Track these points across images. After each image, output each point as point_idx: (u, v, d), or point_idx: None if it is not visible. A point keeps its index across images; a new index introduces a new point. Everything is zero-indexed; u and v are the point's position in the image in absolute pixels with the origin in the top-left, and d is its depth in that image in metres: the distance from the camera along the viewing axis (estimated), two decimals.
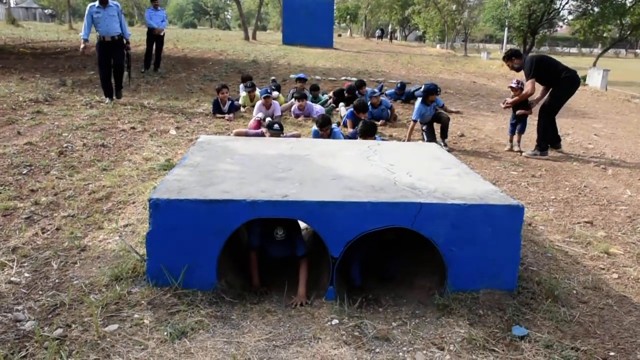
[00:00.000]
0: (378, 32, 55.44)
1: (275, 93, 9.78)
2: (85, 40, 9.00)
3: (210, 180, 3.53)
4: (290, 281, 3.56)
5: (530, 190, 6.01)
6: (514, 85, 7.75)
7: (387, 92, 12.20)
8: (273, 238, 3.51)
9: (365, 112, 8.25)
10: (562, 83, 7.57)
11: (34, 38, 23.36)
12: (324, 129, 6.67)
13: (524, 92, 7.64)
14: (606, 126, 10.68)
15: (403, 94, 11.84)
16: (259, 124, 7.99)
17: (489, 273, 3.40)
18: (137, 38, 14.31)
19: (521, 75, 7.90)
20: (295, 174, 3.75)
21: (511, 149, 7.86)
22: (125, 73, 9.90)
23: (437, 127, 8.06)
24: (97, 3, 8.98)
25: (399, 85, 12.10)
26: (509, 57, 7.82)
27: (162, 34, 13.84)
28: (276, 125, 6.71)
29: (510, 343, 2.94)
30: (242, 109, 9.75)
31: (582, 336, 3.05)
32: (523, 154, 7.67)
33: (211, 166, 3.88)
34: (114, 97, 9.64)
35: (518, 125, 7.88)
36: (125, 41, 9.36)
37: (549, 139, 7.80)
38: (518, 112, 7.77)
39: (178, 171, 3.73)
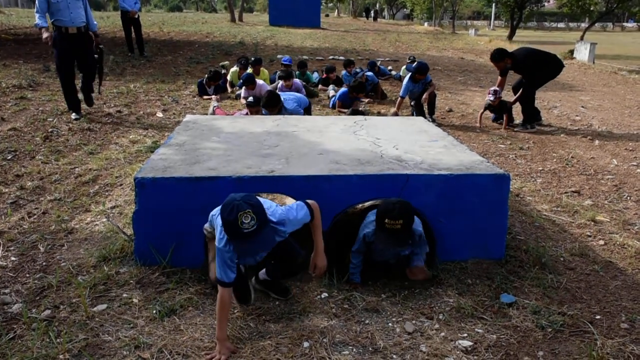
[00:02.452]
0: (373, 14, 54.88)
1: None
2: (44, 28, 6.66)
3: (196, 158, 3.51)
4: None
5: (518, 162, 6.03)
6: (492, 98, 7.64)
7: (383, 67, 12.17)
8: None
9: (362, 93, 8.28)
10: (550, 66, 7.56)
11: (16, 24, 22.91)
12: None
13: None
14: (593, 98, 10.70)
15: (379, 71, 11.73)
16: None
17: (477, 243, 3.42)
18: (108, 22, 14.04)
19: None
20: (282, 150, 3.73)
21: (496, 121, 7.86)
22: (96, 81, 7.50)
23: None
24: None
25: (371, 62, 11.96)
26: (502, 57, 7.49)
27: (136, 16, 13.55)
28: (250, 99, 6.71)
29: (499, 310, 2.97)
30: (229, 89, 9.66)
31: (569, 301, 3.08)
32: (515, 128, 7.67)
33: (197, 145, 3.85)
34: (82, 109, 7.39)
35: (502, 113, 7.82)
36: (93, 35, 7.10)
37: (532, 113, 7.79)
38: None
39: (163, 150, 3.69)
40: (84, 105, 7.44)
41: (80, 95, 7.37)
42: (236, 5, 38.40)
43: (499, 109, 7.76)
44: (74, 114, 7.15)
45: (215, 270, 2.58)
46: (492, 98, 7.65)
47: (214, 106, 7.77)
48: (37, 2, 6.63)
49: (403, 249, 3.21)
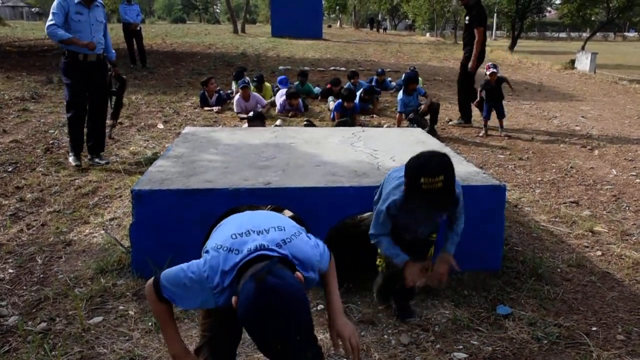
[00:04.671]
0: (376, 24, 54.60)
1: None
2: (73, 37, 5.26)
3: (193, 170, 3.53)
4: None
5: (517, 172, 6.03)
6: (493, 70, 7.75)
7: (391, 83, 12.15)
8: None
9: (352, 101, 8.26)
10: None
11: (20, 36, 23.14)
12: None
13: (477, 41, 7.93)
14: (593, 108, 10.71)
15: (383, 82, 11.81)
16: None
17: (473, 254, 3.41)
18: (111, 34, 14.13)
19: (496, 56, 7.93)
20: (279, 162, 3.75)
21: (486, 135, 7.85)
22: (110, 121, 6.30)
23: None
24: None
25: (379, 70, 12.02)
26: None
27: (138, 28, 13.68)
28: (250, 113, 6.76)
29: (495, 322, 2.97)
30: (230, 100, 9.73)
31: (566, 313, 3.08)
32: (450, 122, 7.73)
33: (195, 157, 3.87)
34: (89, 156, 5.86)
35: (493, 110, 7.86)
36: (109, 64, 5.83)
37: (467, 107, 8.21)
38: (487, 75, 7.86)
39: (161, 162, 3.72)
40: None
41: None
42: (239, 16, 38.67)
43: (496, 90, 7.78)
44: (73, 157, 5.72)
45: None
46: (493, 70, 7.74)
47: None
48: (53, 15, 5.25)
49: (441, 216, 2.64)
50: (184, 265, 1.79)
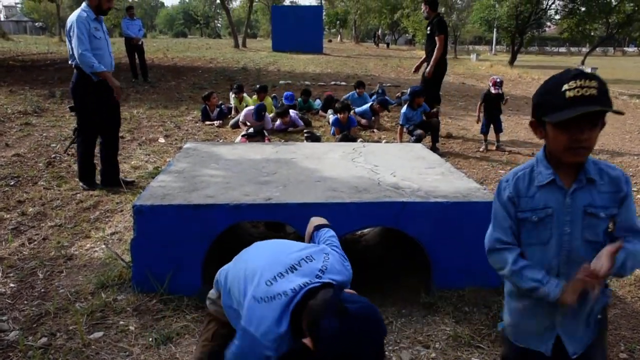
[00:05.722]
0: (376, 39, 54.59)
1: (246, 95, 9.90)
2: (107, 71, 5.19)
3: (194, 185, 3.54)
4: None
5: None
6: (494, 91, 7.79)
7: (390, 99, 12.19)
8: None
9: (347, 112, 8.32)
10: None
11: (24, 51, 23.31)
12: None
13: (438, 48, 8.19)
14: None
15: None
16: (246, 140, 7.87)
17: (474, 270, 3.42)
18: (113, 49, 14.22)
19: (496, 71, 8.00)
20: (280, 177, 3.77)
21: (487, 149, 7.88)
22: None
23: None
24: (88, 13, 5.06)
25: (380, 90, 12.05)
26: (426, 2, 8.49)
27: (140, 43, 13.79)
28: (250, 130, 6.82)
29: (496, 339, 2.95)
30: (233, 112, 9.77)
31: None
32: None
33: (196, 172, 3.89)
34: (98, 183, 5.52)
35: (491, 125, 7.90)
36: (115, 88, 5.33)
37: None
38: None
39: (163, 177, 3.73)
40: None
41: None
42: (240, 31, 38.94)
43: (495, 102, 7.80)
44: (84, 183, 5.45)
45: None
46: (496, 84, 7.77)
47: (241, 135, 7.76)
48: (79, 40, 4.93)
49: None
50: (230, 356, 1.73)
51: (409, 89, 8.11)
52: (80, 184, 5.46)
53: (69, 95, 10.72)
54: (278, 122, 8.87)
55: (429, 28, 8.49)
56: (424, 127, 7.76)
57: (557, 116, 1.61)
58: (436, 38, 8.23)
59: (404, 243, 3.64)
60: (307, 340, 1.51)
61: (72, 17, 5.07)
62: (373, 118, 9.39)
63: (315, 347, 1.48)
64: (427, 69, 8.31)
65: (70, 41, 5.08)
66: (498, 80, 7.93)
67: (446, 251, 3.36)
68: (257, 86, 10.27)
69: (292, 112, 9.11)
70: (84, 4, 5.13)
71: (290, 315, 1.63)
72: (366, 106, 9.47)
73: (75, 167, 6.15)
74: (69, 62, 5.23)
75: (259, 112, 8.37)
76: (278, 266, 1.78)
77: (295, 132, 8.67)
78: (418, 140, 7.38)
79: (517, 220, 1.80)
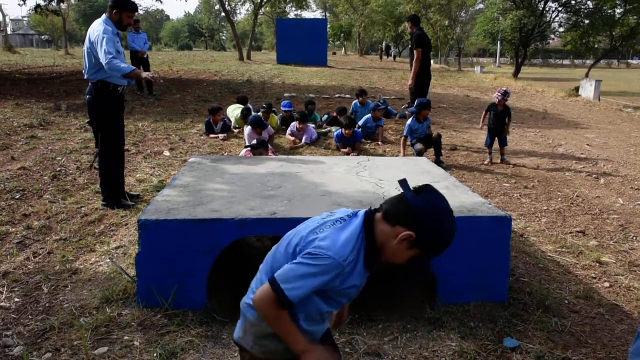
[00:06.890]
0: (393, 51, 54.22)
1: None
2: (137, 70, 5.19)
3: (199, 200, 3.55)
4: None
5: (522, 201, 6.03)
6: (500, 98, 7.78)
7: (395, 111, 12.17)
8: None
9: (351, 128, 8.32)
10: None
11: (30, 64, 23.51)
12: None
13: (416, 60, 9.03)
14: (599, 136, 10.74)
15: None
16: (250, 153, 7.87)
17: (479, 285, 3.41)
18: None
19: (502, 83, 8.04)
20: (285, 192, 3.77)
21: (491, 162, 7.88)
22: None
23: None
24: (109, 25, 5.02)
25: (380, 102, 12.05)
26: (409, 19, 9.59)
27: (145, 56, 13.90)
28: (254, 142, 6.82)
29: (502, 355, 2.94)
30: (235, 131, 9.77)
31: (574, 346, 3.05)
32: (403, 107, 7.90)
33: (201, 186, 3.90)
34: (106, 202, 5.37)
35: (496, 138, 7.90)
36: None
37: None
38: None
39: (168, 192, 3.74)
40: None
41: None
42: (245, 44, 39.19)
43: (502, 117, 7.80)
44: (109, 204, 5.33)
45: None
46: (503, 96, 7.74)
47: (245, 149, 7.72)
48: (108, 44, 4.89)
49: None
50: (295, 266, 1.76)
51: (416, 101, 8.14)
52: (102, 203, 5.33)
53: (74, 109, 10.84)
54: (293, 125, 8.98)
55: (411, 42, 9.28)
56: (425, 141, 7.77)
57: None
58: (414, 52, 9.01)
59: None
60: (404, 234, 1.67)
61: (99, 28, 4.98)
62: (377, 130, 9.38)
63: (416, 227, 1.66)
64: (410, 81, 9.28)
65: (93, 51, 4.98)
66: (503, 89, 7.94)
67: (451, 266, 3.34)
68: (264, 106, 10.20)
69: (311, 125, 9.24)
70: (104, 17, 5.09)
71: (361, 228, 1.77)
72: (368, 115, 9.47)
73: (80, 180, 6.19)
74: (85, 76, 5.16)
75: (255, 124, 8.38)
76: (318, 220, 1.88)
77: (300, 146, 8.66)
78: (419, 154, 7.38)
79: None
